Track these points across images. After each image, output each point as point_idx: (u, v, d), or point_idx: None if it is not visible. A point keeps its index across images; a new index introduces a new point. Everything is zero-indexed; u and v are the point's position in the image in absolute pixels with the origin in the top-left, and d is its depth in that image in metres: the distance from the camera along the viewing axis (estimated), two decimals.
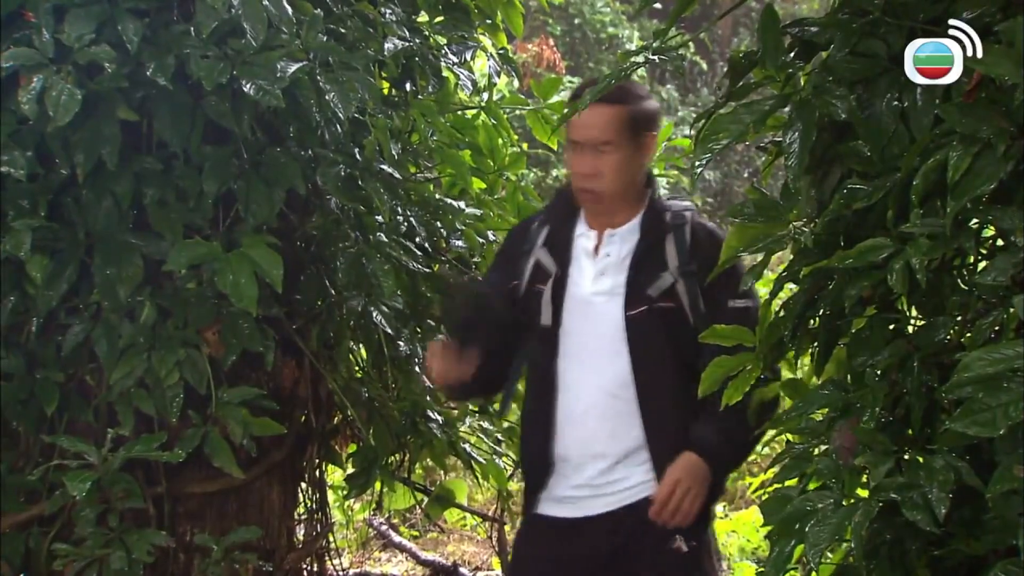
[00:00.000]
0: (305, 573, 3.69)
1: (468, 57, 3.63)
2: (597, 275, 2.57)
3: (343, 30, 3.11)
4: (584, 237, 2.62)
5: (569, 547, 2.58)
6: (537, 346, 2.61)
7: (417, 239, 3.45)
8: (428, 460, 4.00)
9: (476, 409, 3.86)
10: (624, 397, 2.53)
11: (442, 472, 4.69)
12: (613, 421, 2.53)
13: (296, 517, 3.68)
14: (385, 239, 3.24)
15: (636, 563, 2.53)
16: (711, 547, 2.59)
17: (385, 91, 3.56)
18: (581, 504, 2.57)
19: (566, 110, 2.34)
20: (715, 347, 2.31)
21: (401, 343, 3.51)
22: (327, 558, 3.81)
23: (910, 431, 1.79)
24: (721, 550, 5.43)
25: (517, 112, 4.21)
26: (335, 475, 4.84)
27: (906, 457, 1.72)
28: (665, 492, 2.46)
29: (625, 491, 2.53)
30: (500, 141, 4.00)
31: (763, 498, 1.94)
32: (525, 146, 4.30)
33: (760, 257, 1.97)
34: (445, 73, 3.53)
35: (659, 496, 2.47)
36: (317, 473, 3.69)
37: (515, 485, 4.33)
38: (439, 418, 3.62)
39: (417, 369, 3.58)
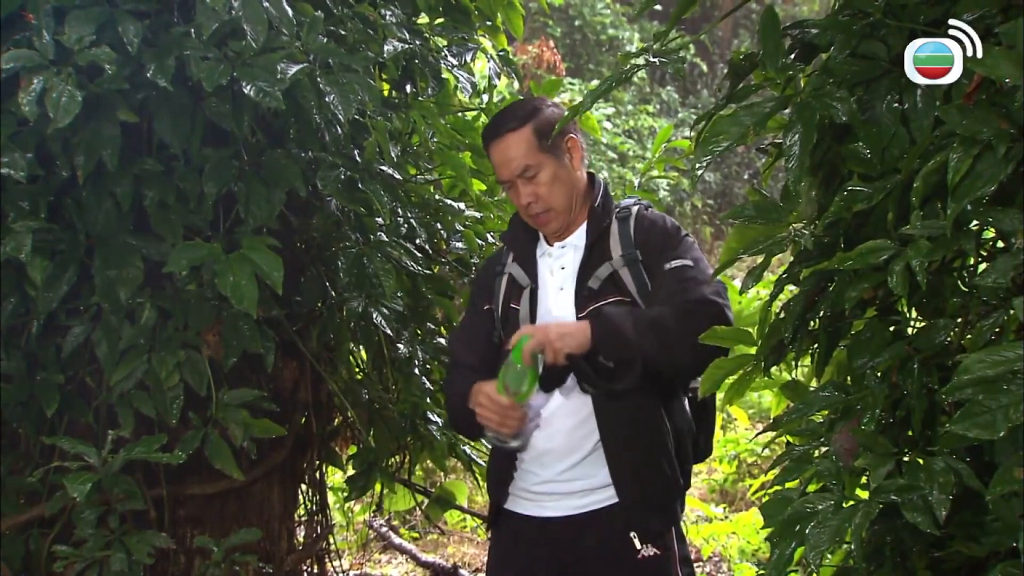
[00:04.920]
0: (305, 575, 3.69)
1: (468, 59, 3.63)
2: (557, 290, 2.60)
3: (343, 32, 3.12)
4: (547, 256, 2.66)
5: (536, 547, 2.60)
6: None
7: (417, 240, 3.45)
8: (428, 462, 4.01)
9: None
10: (587, 400, 2.53)
11: (442, 474, 4.70)
12: (574, 420, 2.54)
13: (296, 519, 3.68)
14: (386, 240, 3.24)
15: (603, 570, 2.54)
16: (679, 555, 2.59)
17: (385, 93, 3.56)
18: (544, 504, 2.60)
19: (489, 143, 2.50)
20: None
21: (401, 345, 3.52)
22: (327, 560, 3.82)
23: (910, 433, 1.79)
24: (722, 552, 5.42)
25: None
26: (335, 477, 4.85)
27: (906, 459, 1.72)
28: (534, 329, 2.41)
29: (587, 494, 2.54)
30: None
31: (763, 500, 1.94)
32: None
33: (760, 259, 1.97)
34: (445, 75, 3.53)
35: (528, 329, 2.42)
36: (317, 475, 3.69)
37: None
38: (439, 420, 3.63)
39: (417, 371, 3.58)
